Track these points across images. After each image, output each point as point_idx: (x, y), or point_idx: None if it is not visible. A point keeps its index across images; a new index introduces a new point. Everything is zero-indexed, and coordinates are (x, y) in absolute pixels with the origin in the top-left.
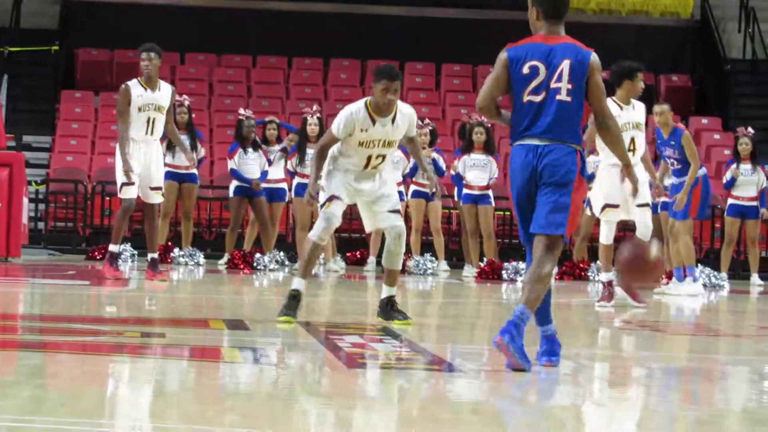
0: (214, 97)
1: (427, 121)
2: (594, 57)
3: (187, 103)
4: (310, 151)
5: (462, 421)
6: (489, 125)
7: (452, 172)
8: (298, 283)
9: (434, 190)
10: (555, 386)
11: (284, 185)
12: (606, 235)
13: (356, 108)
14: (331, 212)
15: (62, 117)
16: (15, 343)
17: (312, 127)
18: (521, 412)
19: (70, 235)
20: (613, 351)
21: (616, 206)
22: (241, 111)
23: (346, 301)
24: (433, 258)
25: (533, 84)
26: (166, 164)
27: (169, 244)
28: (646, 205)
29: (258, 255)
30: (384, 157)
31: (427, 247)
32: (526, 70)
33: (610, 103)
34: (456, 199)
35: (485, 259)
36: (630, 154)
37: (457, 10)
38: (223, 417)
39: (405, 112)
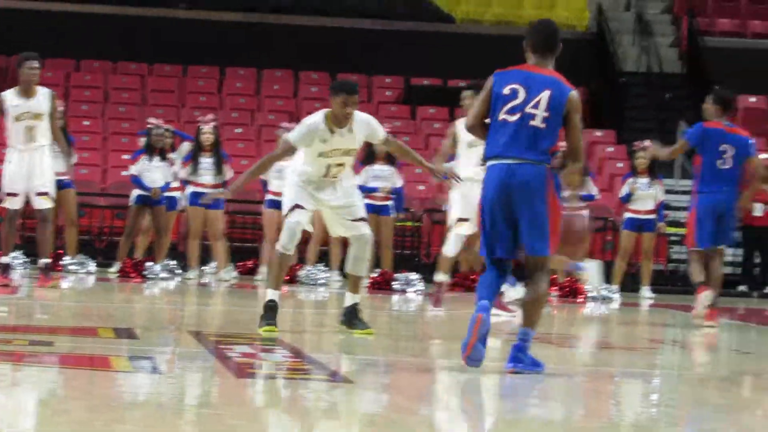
0: (109, 105)
1: None
2: (574, 95)
3: (60, 108)
4: (204, 160)
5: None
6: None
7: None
8: (272, 294)
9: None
10: (449, 397)
11: (177, 193)
12: (452, 248)
13: (315, 120)
14: (295, 221)
15: None
16: None
17: (206, 136)
18: (413, 422)
19: None
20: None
21: (467, 220)
22: (151, 120)
23: (237, 310)
24: (327, 268)
25: (511, 104)
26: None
27: (59, 252)
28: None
29: (149, 263)
30: (343, 165)
31: (321, 257)
32: (506, 90)
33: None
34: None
35: (377, 270)
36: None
37: (354, 20)
38: (111, 426)
39: (361, 119)
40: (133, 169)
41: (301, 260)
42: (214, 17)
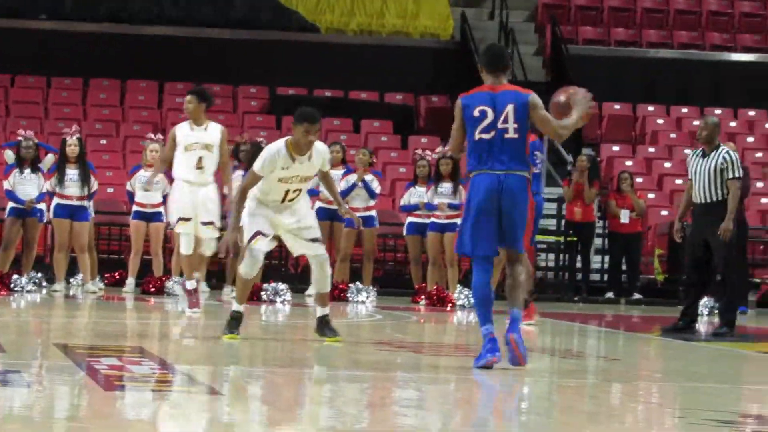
0: None
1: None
2: (532, 97)
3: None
4: (70, 172)
5: None
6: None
7: None
8: (237, 306)
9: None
10: (316, 407)
11: (42, 206)
12: (185, 246)
13: (277, 148)
14: (258, 248)
15: None
16: None
17: (72, 148)
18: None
19: None
20: (371, 371)
21: (188, 219)
22: (21, 132)
23: (104, 322)
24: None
25: (483, 124)
26: None
27: None
28: (210, 223)
29: (15, 276)
30: (300, 191)
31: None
32: (476, 113)
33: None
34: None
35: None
36: (199, 171)
37: (218, 30)
38: None
39: (320, 150)
40: (6, 184)
41: (168, 271)
42: (76, 28)
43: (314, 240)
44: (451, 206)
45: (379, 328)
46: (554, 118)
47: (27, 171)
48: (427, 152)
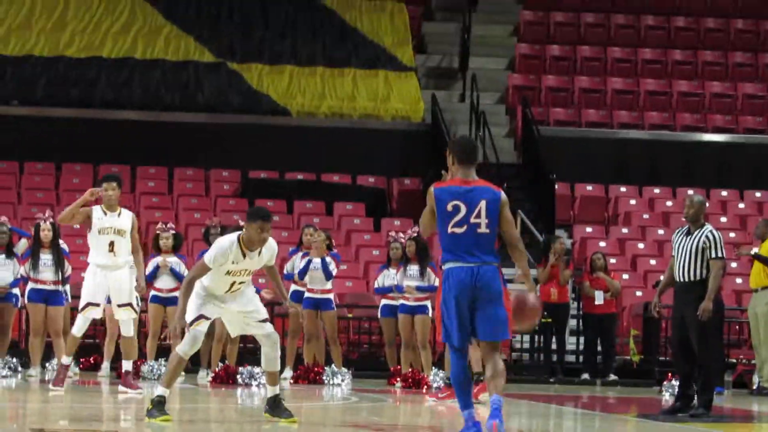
0: None
1: (170, 224)
2: (503, 195)
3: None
4: (44, 257)
5: None
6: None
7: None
8: (162, 390)
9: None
10: None
11: (17, 291)
12: (79, 329)
13: (228, 243)
14: (200, 331)
15: None
16: None
17: (45, 233)
18: None
19: None
20: None
21: (97, 305)
22: (39, 214)
23: (80, 407)
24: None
25: (456, 219)
26: None
27: None
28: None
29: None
30: (244, 283)
31: (161, 352)
32: (449, 207)
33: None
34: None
35: (220, 364)
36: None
37: (188, 114)
38: None
39: (270, 246)
40: None
41: (143, 355)
42: (48, 113)
43: (263, 321)
44: (419, 288)
45: (354, 410)
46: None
47: (1, 256)
48: (400, 234)
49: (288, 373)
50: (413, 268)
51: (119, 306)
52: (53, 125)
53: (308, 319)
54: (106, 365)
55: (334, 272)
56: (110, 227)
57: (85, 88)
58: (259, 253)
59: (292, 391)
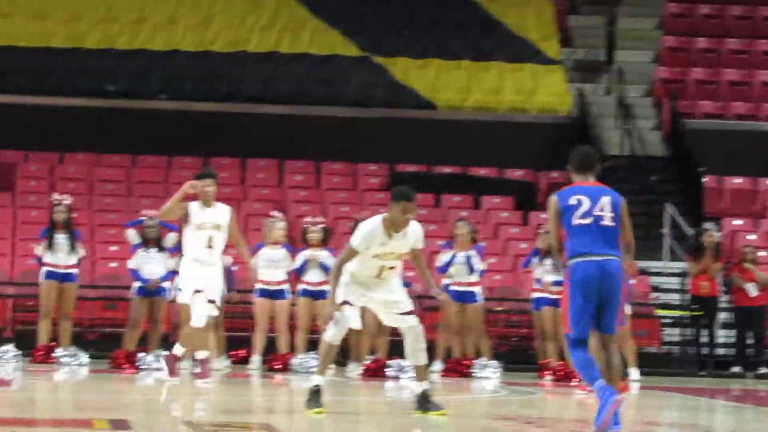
0: (94, 197)
1: (319, 218)
2: (624, 201)
3: (66, 202)
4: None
5: None
6: None
7: None
8: (318, 379)
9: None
10: None
11: (167, 284)
12: (201, 318)
13: (374, 225)
14: (345, 316)
15: None
16: None
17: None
18: None
19: None
20: None
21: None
22: (144, 212)
23: (231, 399)
24: (317, 356)
25: (580, 211)
26: (45, 263)
27: (53, 344)
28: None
29: (141, 354)
30: (393, 268)
31: (312, 345)
32: (573, 201)
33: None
34: None
35: (370, 357)
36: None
37: (335, 108)
38: None
39: (415, 227)
40: (131, 263)
41: (293, 348)
42: (195, 107)
43: (406, 313)
44: (555, 283)
45: (504, 403)
46: None
47: (153, 250)
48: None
49: (438, 366)
50: (548, 262)
51: (208, 301)
52: (200, 119)
53: (452, 312)
54: (257, 358)
55: (478, 266)
56: (208, 222)
57: (231, 83)
58: (405, 235)
59: (442, 384)
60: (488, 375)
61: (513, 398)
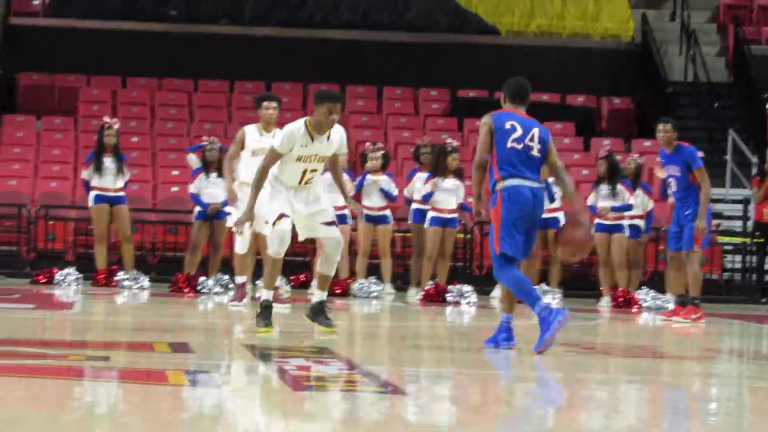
0: (156, 121)
1: (379, 144)
2: (550, 135)
3: (116, 126)
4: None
5: None
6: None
7: (414, 195)
8: (267, 294)
9: (355, 210)
10: (505, 407)
11: (230, 208)
12: (242, 246)
13: (296, 126)
14: (283, 229)
15: (4, 141)
16: None
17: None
18: None
19: (14, 259)
20: (559, 372)
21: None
22: (205, 137)
23: (291, 323)
24: (378, 281)
25: (514, 136)
26: (93, 187)
27: (114, 267)
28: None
29: (202, 278)
30: (316, 171)
31: (372, 270)
32: (507, 126)
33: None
34: (410, 221)
35: (430, 282)
36: None
37: (397, 34)
38: None
39: (338, 130)
40: (192, 188)
41: (353, 273)
42: (256, 32)
43: (328, 223)
44: (613, 209)
45: (564, 329)
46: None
47: (213, 175)
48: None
49: (496, 292)
50: (605, 188)
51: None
52: (262, 44)
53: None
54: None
55: (557, 194)
56: (265, 148)
57: (293, 8)
58: (328, 137)
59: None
60: (549, 301)
61: (574, 324)
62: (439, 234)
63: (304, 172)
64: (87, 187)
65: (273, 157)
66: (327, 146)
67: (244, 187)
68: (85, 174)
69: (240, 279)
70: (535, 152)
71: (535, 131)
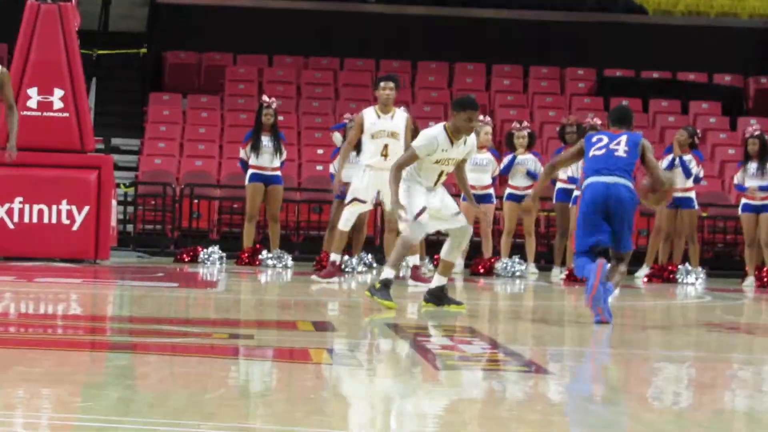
0: (302, 100)
1: (525, 123)
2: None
3: (274, 105)
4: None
5: (552, 423)
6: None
7: (560, 174)
8: (388, 272)
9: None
10: (644, 387)
11: None
12: (345, 223)
13: (437, 131)
14: (425, 221)
15: (150, 120)
16: (104, 345)
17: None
18: (609, 413)
19: (158, 237)
20: (702, 352)
21: (364, 202)
22: (347, 115)
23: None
24: (522, 260)
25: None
26: (250, 166)
27: (258, 246)
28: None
29: (346, 257)
30: (447, 173)
31: (515, 249)
32: (593, 139)
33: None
34: (555, 200)
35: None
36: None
37: (544, 13)
38: (311, 418)
39: (472, 137)
40: (331, 167)
41: (497, 252)
42: (403, 11)
43: (456, 214)
44: (761, 188)
45: (708, 309)
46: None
47: (353, 154)
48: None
49: (644, 270)
50: (752, 166)
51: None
52: (408, 23)
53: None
54: (459, 262)
55: (694, 170)
56: (384, 130)
57: None
58: (465, 142)
59: (646, 290)
60: (692, 281)
61: (717, 304)
62: (568, 211)
63: (440, 174)
64: (244, 165)
65: (412, 157)
66: (462, 150)
67: (368, 169)
68: (242, 153)
69: (335, 256)
70: (620, 153)
71: (623, 138)
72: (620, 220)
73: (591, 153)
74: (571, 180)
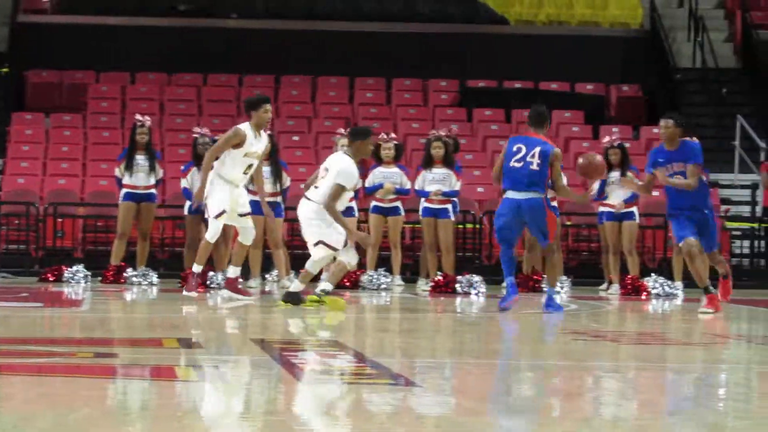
0: (165, 117)
1: (392, 135)
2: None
3: (148, 123)
4: (265, 169)
5: None
6: (446, 140)
7: (415, 186)
8: (197, 267)
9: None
10: (514, 399)
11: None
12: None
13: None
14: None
15: (13, 139)
16: None
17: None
18: (481, 424)
19: (22, 257)
20: (568, 361)
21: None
22: (196, 129)
23: (300, 317)
24: (387, 273)
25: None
26: (124, 185)
27: (122, 264)
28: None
29: (211, 273)
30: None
31: (381, 261)
32: (514, 148)
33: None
34: (421, 213)
35: (439, 273)
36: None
37: (407, 24)
38: None
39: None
40: (184, 182)
41: (362, 266)
42: (267, 26)
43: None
44: (626, 201)
45: (573, 317)
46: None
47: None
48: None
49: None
50: (614, 176)
51: (241, 215)
52: (272, 38)
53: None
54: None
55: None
56: (256, 152)
57: (303, 1)
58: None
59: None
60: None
61: (582, 312)
62: (431, 225)
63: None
64: (119, 184)
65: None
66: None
67: (228, 184)
68: (117, 171)
69: (198, 268)
70: (534, 166)
71: (537, 149)
72: (534, 225)
73: (511, 163)
74: (420, 193)
